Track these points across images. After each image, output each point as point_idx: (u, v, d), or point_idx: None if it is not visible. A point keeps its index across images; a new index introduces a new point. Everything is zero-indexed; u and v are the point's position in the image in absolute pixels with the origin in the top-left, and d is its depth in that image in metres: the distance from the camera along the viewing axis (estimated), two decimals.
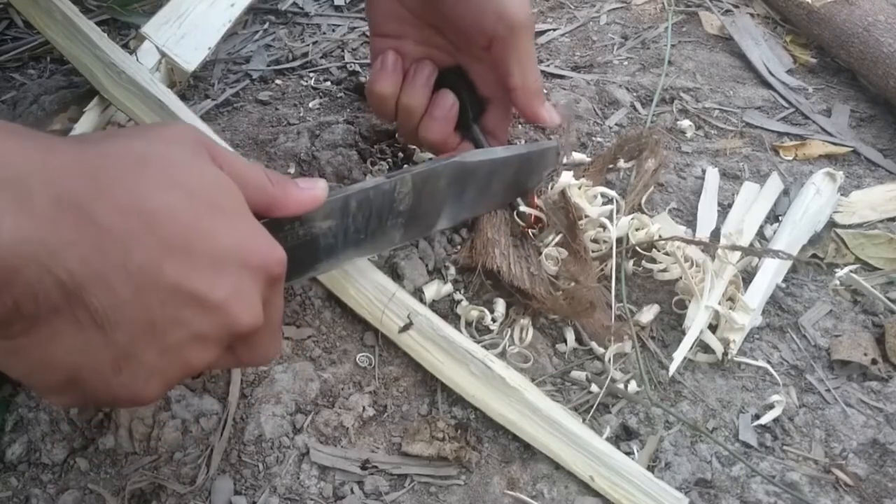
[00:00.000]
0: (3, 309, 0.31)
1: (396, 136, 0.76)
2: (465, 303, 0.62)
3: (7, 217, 0.30)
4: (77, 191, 0.32)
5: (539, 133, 0.79)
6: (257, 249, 0.38)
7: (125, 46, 0.76)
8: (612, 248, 0.65)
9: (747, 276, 0.65)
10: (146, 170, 0.35)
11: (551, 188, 0.66)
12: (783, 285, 0.66)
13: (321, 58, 0.90)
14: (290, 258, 0.41)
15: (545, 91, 0.85)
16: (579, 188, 0.67)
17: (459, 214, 0.62)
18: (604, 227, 0.65)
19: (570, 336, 0.61)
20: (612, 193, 0.67)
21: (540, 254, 0.64)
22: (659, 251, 0.64)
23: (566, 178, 0.65)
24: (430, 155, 0.73)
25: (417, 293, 0.62)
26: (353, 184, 0.57)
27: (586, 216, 0.65)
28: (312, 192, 0.46)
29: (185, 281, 0.35)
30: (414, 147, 0.75)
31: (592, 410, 0.56)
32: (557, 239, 0.65)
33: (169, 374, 0.37)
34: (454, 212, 0.60)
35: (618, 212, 0.67)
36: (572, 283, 0.60)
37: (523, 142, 0.77)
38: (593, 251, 0.65)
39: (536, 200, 0.65)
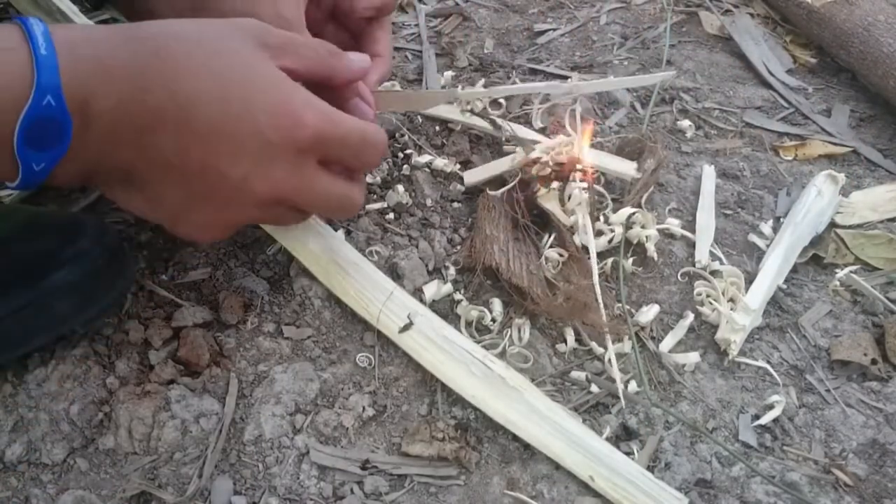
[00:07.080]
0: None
1: None
2: (465, 303, 0.62)
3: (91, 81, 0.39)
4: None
5: None
6: (280, 127, 0.44)
7: None
8: (609, 244, 0.65)
9: (748, 277, 0.65)
10: (190, 61, 0.42)
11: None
12: (784, 286, 0.66)
13: None
14: None
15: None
16: (548, 192, 0.67)
17: None
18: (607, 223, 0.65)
19: (569, 336, 0.61)
20: (599, 188, 0.68)
21: (540, 254, 0.64)
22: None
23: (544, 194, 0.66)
24: (428, 157, 0.73)
25: (417, 293, 0.62)
26: None
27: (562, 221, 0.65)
28: (363, 63, 0.52)
29: (210, 161, 0.43)
30: (414, 149, 0.75)
31: (617, 417, 0.56)
32: (551, 240, 0.65)
33: (216, 230, 0.49)
34: None
35: (607, 208, 0.68)
36: (569, 285, 0.60)
37: None
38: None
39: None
